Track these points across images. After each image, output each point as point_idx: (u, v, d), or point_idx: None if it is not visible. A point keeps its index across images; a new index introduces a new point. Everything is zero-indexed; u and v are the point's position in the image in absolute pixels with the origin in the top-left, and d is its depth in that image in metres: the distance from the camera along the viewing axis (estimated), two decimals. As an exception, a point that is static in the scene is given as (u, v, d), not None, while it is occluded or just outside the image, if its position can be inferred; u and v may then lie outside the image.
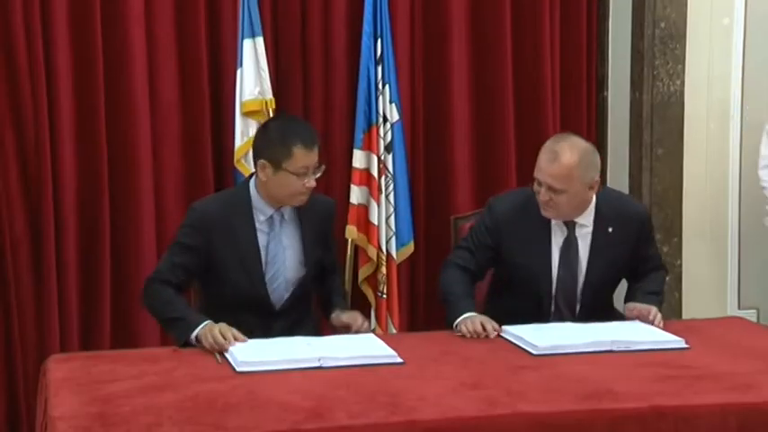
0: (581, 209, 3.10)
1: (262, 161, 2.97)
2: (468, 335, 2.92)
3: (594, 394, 2.43)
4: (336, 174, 4.13)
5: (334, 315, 3.15)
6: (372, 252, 4.04)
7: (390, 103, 4.03)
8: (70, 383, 2.50)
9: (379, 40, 4.01)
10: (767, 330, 3.23)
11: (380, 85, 4.03)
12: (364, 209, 4.04)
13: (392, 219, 4.06)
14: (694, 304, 4.37)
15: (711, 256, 4.44)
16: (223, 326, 2.79)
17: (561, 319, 3.14)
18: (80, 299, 3.90)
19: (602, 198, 3.15)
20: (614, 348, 2.78)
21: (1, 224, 3.79)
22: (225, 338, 2.74)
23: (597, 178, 3.07)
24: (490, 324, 2.95)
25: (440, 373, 2.61)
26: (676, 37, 4.28)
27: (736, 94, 4.36)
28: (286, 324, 3.07)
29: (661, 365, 2.67)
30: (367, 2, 4.00)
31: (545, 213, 3.08)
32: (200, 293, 3.21)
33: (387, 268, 4.05)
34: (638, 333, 2.92)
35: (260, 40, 3.90)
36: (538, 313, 3.13)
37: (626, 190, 4.41)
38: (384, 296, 4.06)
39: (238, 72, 3.89)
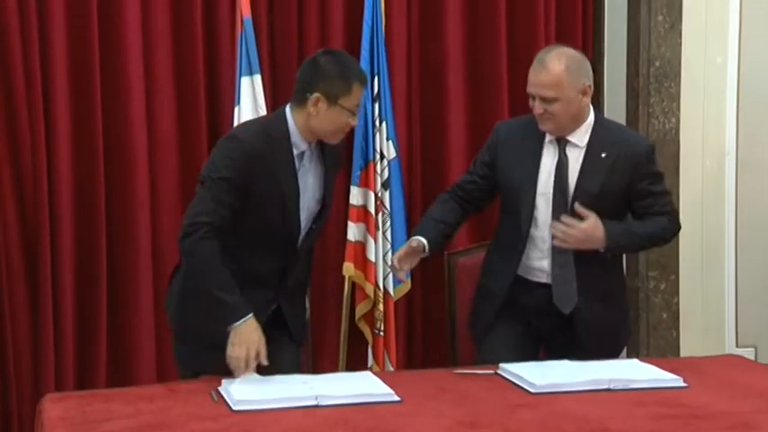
0: (578, 119, 3.09)
1: (316, 95, 2.90)
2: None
3: (592, 433, 2.42)
4: (333, 211, 4.12)
5: None
6: (370, 289, 4.04)
7: (387, 140, 4.04)
8: (65, 423, 2.48)
9: (376, 78, 4.04)
10: (766, 369, 3.21)
11: (377, 123, 4.04)
12: (361, 246, 4.04)
13: (389, 256, 4.05)
14: (692, 342, 4.36)
15: (709, 293, 4.43)
16: (257, 341, 2.76)
17: (536, 246, 3.13)
18: (76, 333, 3.88)
19: (601, 122, 3.16)
20: (612, 387, 2.77)
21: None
22: (248, 360, 2.73)
23: (589, 83, 3.08)
24: (397, 255, 3.08)
25: (437, 411, 2.59)
26: (671, 75, 4.31)
27: (732, 132, 4.38)
28: (298, 267, 3.08)
29: (659, 404, 2.65)
30: (364, 40, 4.02)
31: (542, 127, 3.08)
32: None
33: (384, 306, 4.04)
34: (636, 372, 2.91)
35: (257, 78, 3.91)
36: (518, 236, 3.12)
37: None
38: (381, 333, 4.05)
39: (236, 109, 3.90)
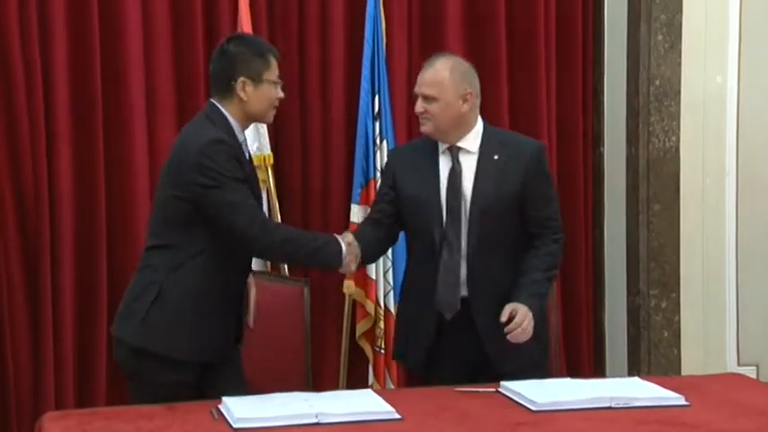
0: (458, 126, 3.11)
1: (241, 79, 2.93)
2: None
3: (594, 452, 2.40)
4: (334, 228, 4.11)
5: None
6: (370, 307, 4.02)
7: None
8: (64, 441, 2.47)
9: (376, 97, 4.04)
10: (767, 387, 3.19)
11: (378, 141, 4.05)
12: (362, 263, 4.03)
13: (390, 273, 4.04)
14: (693, 360, 4.34)
15: (710, 311, 4.41)
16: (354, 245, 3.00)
17: (452, 256, 3.10)
18: (76, 352, 3.87)
19: (491, 130, 3.20)
20: (613, 405, 2.75)
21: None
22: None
23: (470, 91, 3.11)
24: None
25: (438, 429, 2.57)
26: (671, 94, 4.31)
27: (732, 151, 4.38)
28: None
29: (660, 423, 2.63)
30: (365, 58, 4.03)
31: (423, 128, 3.13)
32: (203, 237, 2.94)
33: (385, 323, 4.02)
34: (637, 390, 2.89)
35: (258, 97, 3.91)
36: (431, 250, 3.10)
37: (623, 245, 4.42)
38: (382, 351, 4.04)
39: (237, 128, 3.90)
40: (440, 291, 3.12)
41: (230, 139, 2.92)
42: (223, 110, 2.96)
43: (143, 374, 2.93)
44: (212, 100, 2.98)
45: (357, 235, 3.15)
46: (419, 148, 3.22)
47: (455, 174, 3.12)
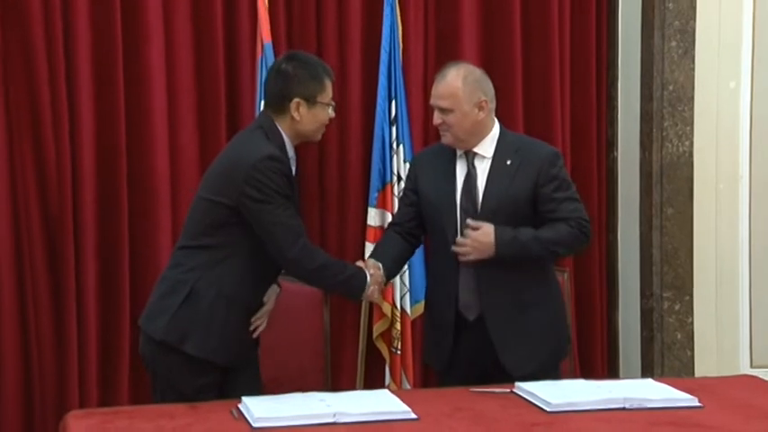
0: (476, 133, 3.12)
1: (296, 100, 2.95)
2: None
3: (608, 452, 2.40)
4: (351, 231, 4.14)
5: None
6: (387, 309, 4.03)
7: (404, 162, 4.04)
8: (88, 439, 2.48)
9: (393, 102, 4.05)
10: (780, 389, 3.18)
11: (395, 145, 4.05)
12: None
13: (406, 276, 4.04)
14: (707, 362, 4.32)
15: (723, 314, 4.39)
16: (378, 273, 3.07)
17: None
18: (99, 352, 3.89)
19: (508, 134, 3.21)
20: (627, 406, 2.74)
21: (24, 285, 3.82)
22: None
23: (485, 99, 3.11)
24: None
25: (453, 429, 2.57)
26: (684, 99, 4.30)
27: (745, 156, 4.36)
28: None
29: (674, 424, 2.62)
30: (382, 66, 4.04)
31: (443, 140, 3.14)
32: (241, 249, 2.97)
33: (401, 324, 4.03)
34: (650, 391, 2.88)
35: (277, 102, 3.93)
36: (448, 253, 3.09)
37: (637, 248, 4.40)
38: (398, 352, 4.04)
39: (256, 133, 3.91)
40: (461, 293, 3.13)
41: (282, 155, 2.95)
42: (278, 128, 2.99)
43: (167, 372, 2.95)
44: (267, 113, 3.01)
45: (382, 250, 3.20)
46: (439, 153, 3.23)
47: (470, 178, 3.13)
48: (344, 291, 3.14)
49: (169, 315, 2.91)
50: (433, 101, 3.14)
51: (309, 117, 2.98)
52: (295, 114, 2.96)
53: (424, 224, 3.27)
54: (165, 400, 2.90)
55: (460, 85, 3.08)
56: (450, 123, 3.09)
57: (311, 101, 2.97)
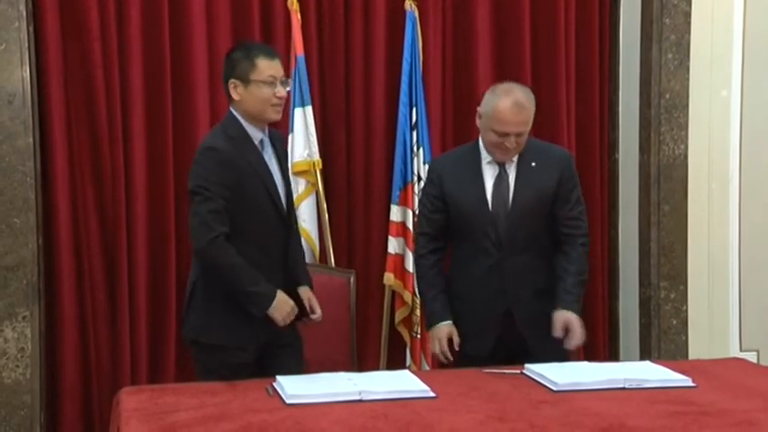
0: None
1: (232, 81, 2.87)
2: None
3: (609, 428, 2.38)
4: (376, 226, 4.13)
5: (301, 289, 3.06)
6: (408, 297, 4.02)
7: (424, 163, 4.03)
8: (139, 413, 2.49)
9: (414, 109, 4.04)
10: (767, 370, 3.15)
11: (415, 148, 4.04)
12: (400, 258, 4.03)
13: (426, 267, 4.03)
14: (699, 346, 4.30)
15: (715, 302, 4.37)
16: (290, 307, 2.88)
17: (500, 250, 3.09)
18: (148, 336, 3.92)
19: (528, 140, 3.16)
20: (627, 386, 2.73)
21: (82, 276, 3.85)
22: (291, 313, 2.88)
23: None
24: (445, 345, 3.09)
25: (469, 406, 2.57)
26: (680, 107, 4.27)
27: (735, 159, 4.33)
28: (295, 245, 3.07)
29: (670, 402, 2.61)
30: (403, 75, 4.03)
31: (504, 158, 3.08)
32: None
33: (420, 311, 4.02)
34: (648, 372, 2.86)
35: (309, 109, 3.93)
36: (484, 249, 3.10)
37: (636, 242, 4.38)
38: (418, 336, 4.03)
39: (290, 137, 3.92)
40: (508, 284, 3.11)
41: (227, 144, 2.83)
42: (234, 113, 2.91)
43: (199, 361, 2.99)
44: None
45: (443, 298, 3.15)
46: (460, 159, 3.19)
47: (501, 180, 3.11)
48: (246, 302, 2.85)
49: (187, 314, 2.97)
50: (512, 128, 3.00)
51: (248, 96, 2.86)
52: (234, 95, 2.88)
53: (450, 227, 3.22)
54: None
55: (532, 106, 3.05)
56: (521, 143, 3.05)
57: (245, 80, 2.86)
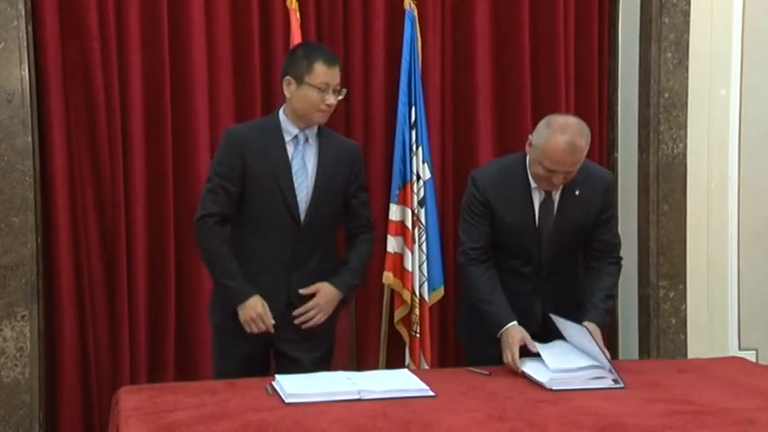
0: None
1: (287, 77, 2.94)
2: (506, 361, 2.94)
3: (609, 427, 2.38)
4: (375, 224, 4.12)
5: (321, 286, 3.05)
6: (407, 296, 4.02)
7: (423, 162, 4.03)
8: (138, 413, 2.50)
9: (413, 108, 4.04)
10: (766, 370, 3.15)
11: (414, 147, 4.04)
12: (399, 257, 4.03)
13: (425, 266, 4.04)
14: (698, 345, 4.30)
15: (714, 301, 4.36)
16: (261, 309, 2.90)
17: (538, 275, 3.13)
18: (148, 335, 3.91)
19: None
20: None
21: (81, 275, 3.84)
22: (255, 320, 2.90)
23: None
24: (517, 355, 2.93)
25: (468, 406, 2.57)
26: (678, 105, 4.27)
27: (734, 157, 4.33)
28: (309, 249, 3.00)
29: (668, 401, 2.61)
30: (403, 74, 4.03)
31: (550, 188, 3.06)
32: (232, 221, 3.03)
33: (420, 310, 4.02)
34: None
35: (309, 108, 3.93)
36: (525, 267, 3.14)
37: (635, 241, 4.38)
38: (417, 335, 4.03)
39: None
40: (544, 305, 3.14)
41: (253, 129, 2.96)
42: (281, 110, 3.01)
43: (215, 344, 3.09)
44: None
45: (507, 303, 3.10)
46: (508, 180, 3.13)
47: (547, 206, 3.11)
48: (220, 291, 2.99)
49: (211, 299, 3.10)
50: (564, 167, 2.95)
51: (298, 96, 2.93)
52: (286, 92, 2.94)
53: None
54: (222, 367, 3.03)
55: (587, 146, 2.98)
56: (568, 179, 3.02)
57: (299, 80, 2.91)
